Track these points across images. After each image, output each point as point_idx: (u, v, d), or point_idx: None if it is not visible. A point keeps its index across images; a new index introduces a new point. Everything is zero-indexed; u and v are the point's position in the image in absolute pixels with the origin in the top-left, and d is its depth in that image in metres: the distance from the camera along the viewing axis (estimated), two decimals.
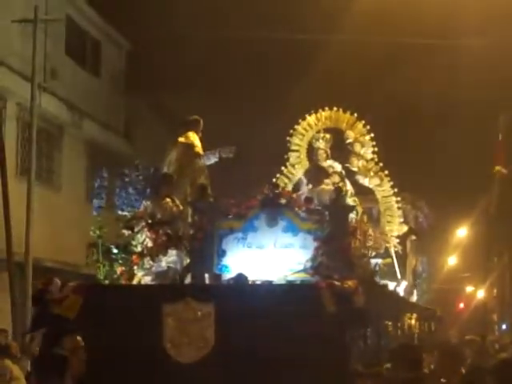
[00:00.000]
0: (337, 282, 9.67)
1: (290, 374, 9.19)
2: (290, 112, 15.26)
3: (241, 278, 10.40)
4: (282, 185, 13.65)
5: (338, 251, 10.75)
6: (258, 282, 10.76)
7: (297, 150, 14.81)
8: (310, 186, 13.08)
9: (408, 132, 28.90)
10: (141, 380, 9.62)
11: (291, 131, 14.77)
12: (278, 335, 9.29)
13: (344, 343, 9.43)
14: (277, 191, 11.22)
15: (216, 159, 12.06)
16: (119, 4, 26.51)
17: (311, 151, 14.61)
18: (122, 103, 28.11)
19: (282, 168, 14.71)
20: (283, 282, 10.81)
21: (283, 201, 11.15)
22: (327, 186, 13.03)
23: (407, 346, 9.24)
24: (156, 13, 27.02)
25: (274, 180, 14.24)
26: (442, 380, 8.34)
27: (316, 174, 12.55)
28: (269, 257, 11.20)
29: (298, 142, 14.79)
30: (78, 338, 7.40)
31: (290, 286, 10.50)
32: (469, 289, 39.82)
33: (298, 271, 11.01)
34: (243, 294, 9.84)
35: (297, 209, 11.16)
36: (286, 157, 14.79)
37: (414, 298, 15.71)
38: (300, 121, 14.82)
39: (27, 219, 19.51)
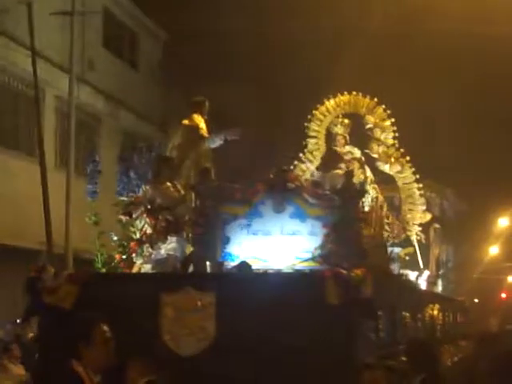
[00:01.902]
0: (343, 271, 8.78)
1: (295, 366, 8.39)
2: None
3: (244, 267, 9.57)
4: (299, 172, 12.86)
5: (348, 238, 9.87)
6: (263, 271, 9.91)
7: (315, 136, 14.11)
8: (321, 172, 12.19)
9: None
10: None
11: (309, 117, 14.04)
12: (281, 326, 8.48)
13: (350, 335, 8.55)
14: (283, 175, 10.32)
15: (221, 142, 11.19)
16: None
17: (330, 137, 13.81)
18: (159, 94, 27.48)
19: (300, 154, 13.88)
20: (290, 271, 9.96)
21: (290, 185, 10.26)
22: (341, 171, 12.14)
23: (420, 343, 8.49)
24: (193, 3, 26.29)
25: (292, 167, 13.48)
26: None
27: (329, 158, 11.62)
28: (275, 244, 10.36)
29: (316, 127, 14.08)
30: (105, 328, 6.54)
31: (294, 275, 9.66)
32: (511, 279, 38.79)
33: (306, 260, 10.17)
34: (246, 283, 8.99)
35: (305, 194, 10.27)
36: (304, 143, 13.95)
37: (439, 289, 14.80)
38: (318, 106, 13.99)
39: (66, 211, 19.17)
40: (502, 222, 34.44)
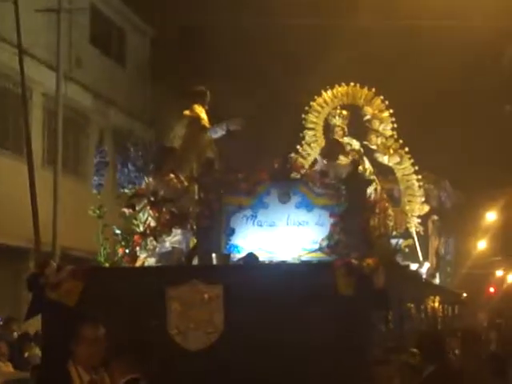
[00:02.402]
0: (355, 261, 8.50)
1: (305, 360, 8.09)
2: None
3: (251, 258, 9.27)
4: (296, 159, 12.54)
5: (356, 228, 9.57)
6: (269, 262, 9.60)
7: (312, 128, 13.79)
8: (325, 161, 11.87)
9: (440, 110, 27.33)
10: (146, 369, 8.45)
11: (306, 108, 13.72)
12: (291, 319, 8.19)
13: (363, 327, 8.27)
14: (288, 164, 10.01)
15: (223, 132, 10.87)
16: None
17: (327, 129, 13.50)
18: (148, 91, 27.16)
19: (298, 147, 13.57)
20: (297, 262, 9.66)
21: (296, 174, 9.95)
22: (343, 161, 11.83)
23: (430, 335, 8.28)
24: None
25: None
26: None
27: (332, 148, 11.32)
28: (281, 235, 10.04)
29: (314, 119, 13.76)
30: (94, 326, 6.32)
31: (304, 266, 9.34)
32: (499, 273, 38.70)
33: (314, 250, 9.85)
34: (253, 275, 8.65)
35: (311, 183, 9.96)
36: (301, 135, 13.65)
37: (437, 281, 14.56)
38: (316, 97, 13.69)
39: (54, 209, 19.03)
40: (489, 216, 34.35)
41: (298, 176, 10.03)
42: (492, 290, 36.80)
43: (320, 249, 9.77)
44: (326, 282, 8.26)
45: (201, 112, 10.74)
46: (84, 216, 21.89)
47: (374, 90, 13.74)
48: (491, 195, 30.43)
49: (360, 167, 12.67)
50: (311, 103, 13.79)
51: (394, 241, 12.17)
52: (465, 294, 18.54)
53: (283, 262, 9.65)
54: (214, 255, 9.43)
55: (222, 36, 25.84)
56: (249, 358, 8.15)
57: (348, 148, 13.01)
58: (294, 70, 25.44)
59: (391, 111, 13.74)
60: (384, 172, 13.69)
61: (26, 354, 13.24)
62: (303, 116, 13.81)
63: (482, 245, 34.91)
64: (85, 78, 23.42)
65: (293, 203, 10.03)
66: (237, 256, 9.75)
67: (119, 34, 26.33)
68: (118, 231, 9.65)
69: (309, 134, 13.79)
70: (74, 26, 22.91)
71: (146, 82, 27.22)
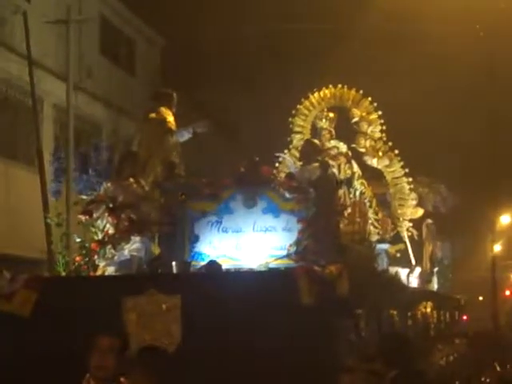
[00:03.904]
0: (317, 268, 7.79)
1: (267, 371, 7.47)
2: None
3: (213, 266, 8.56)
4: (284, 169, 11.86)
5: (324, 233, 8.85)
6: (234, 271, 8.90)
7: (300, 132, 13.09)
8: (296, 164, 11.16)
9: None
10: None
11: (293, 111, 13.07)
12: (252, 328, 7.60)
13: (326, 335, 7.66)
14: (254, 168, 9.28)
15: (190, 135, 10.14)
16: (152, 1, 25.13)
17: (315, 132, 12.80)
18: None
19: (285, 151, 12.85)
20: (264, 269, 8.95)
21: (262, 178, 9.24)
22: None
23: (392, 338, 7.50)
24: (190, 8, 25.48)
25: (277, 165, 12.47)
26: None
27: (308, 150, 10.56)
28: (247, 242, 9.43)
29: (301, 122, 13.09)
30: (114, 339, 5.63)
31: (266, 274, 8.70)
32: None
33: (281, 257, 9.21)
34: (213, 284, 8.05)
35: (278, 187, 9.24)
36: (288, 139, 12.95)
37: (434, 286, 13.75)
38: (303, 100, 13.00)
39: (67, 219, 18.35)
40: (503, 220, 33.38)
41: (265, 179, 9.29)
42: (508, 293, 35.81)
43: (288, 255, 9.10)
44: (288, 290, 7.68)
45: (168, 115, 10.07)
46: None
47: (361, 91, 13.01)
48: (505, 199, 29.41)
49: (348, 171, 12.04)
50: (298, 106, 13.14)
51: (380, 246, 11.49)
52: (481, 298, 17.79)
53: (248, 269, 9.00)
54: (173, 263, 8.72)
55: (232, 44, 25.35)
56: (207, 371, 7.53)
57: (335, 151, 12.30)
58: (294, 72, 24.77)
59: (380, 113, 13.01)
60: (377, 176, 12.95)
61: None
62: (290, 119, 13.12)
63: (497, 248, 34.00)
64: (95, 88, 22.79)
65: (259, 208, 9.43)
66: (201, 264, 9.05)
67: (129, 43, 25.72)
68: (78, 239, 8.97)
69: (296, 138, 13.10)
70: (84, 37, 22.31)
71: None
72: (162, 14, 25.44)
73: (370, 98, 12.98)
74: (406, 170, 12.91)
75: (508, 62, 22.67)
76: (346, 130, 13.11)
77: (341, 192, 9.90)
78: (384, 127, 13.00)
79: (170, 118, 9.95)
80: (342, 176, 11.49)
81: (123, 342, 5.69)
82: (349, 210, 10.22)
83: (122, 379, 5.63)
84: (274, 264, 9.12)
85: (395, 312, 10.06)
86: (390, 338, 7.52)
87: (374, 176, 12.82)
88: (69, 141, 18.75)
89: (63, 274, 8.95)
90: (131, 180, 9.22)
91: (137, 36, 26.07)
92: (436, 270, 14.15)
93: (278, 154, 12.66)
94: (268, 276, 8.45)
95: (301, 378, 7.44)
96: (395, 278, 10.72)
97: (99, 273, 8.92)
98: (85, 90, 22.21)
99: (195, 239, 9.35)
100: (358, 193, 11.85)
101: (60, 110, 20.62)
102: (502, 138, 25.65)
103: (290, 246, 9.06)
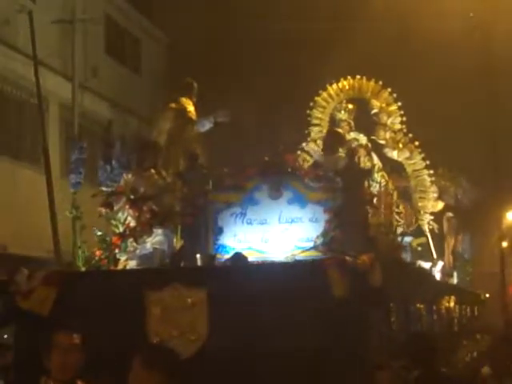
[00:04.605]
0: (348, 258, 7.40)
1: (297, 368, 7.07)
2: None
3: (238, 259, 8.19)
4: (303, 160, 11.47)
5: (353, 223, 8.47)
6: (259, 263, 8.52)
7: (318, 124, 12.70)
8: (322, 153, 10.79)
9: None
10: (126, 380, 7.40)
11: (311, 104, 12.68)
12: (280, 323, 7.19)
13: (359, 330, 7.21)
14: (279, 157, 8.91)
15: (211, 125, 9.82)
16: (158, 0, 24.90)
17: (333, 124, 12.45)
18: (164, 98, 26.29)
19: (304, 144, 12.47)
20: (288, 262, 8.57)
21: (287, 168, 8.87)
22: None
23: (417, 337, 7.27)
24: (195, 7, 25.15)
25: (299, 152, 12.12)
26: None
27: (330, 139, 10.19)
28: (273, 234, 9.03)
29: (319, 114, 12.69)
30: (75, 335, 5.29)
31: (294, 266, 8.25)
32: None
33: (308, 249, 8.79)
34: (240, 277, 7.63)
35: (304, 176, 8.87)
36: (306, 132, 12.56)
37: (455, 281, 13.39)
38: (321, 92, 12.65)
39: (73, 220, 18.01)
40: (510, 216, 32.93)
41: (290, 168, 8.92)
42: None
43: (315, 247, 8.69)
44: (319, 283, 7.24)
45: (188, 105, 9.74)
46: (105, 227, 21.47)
47: (380, 82, 12.65)
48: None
49: (368, 163, 11.70)
50: (316, 98, 12.77)
51: (405, 239, 11.15)
52: (487, 295, 17.43)
53: (274, 262, 8.60)
54: (198, 256, 8.35)
55: (238, 42, 25.02)
56: (235, 367, 7.16)
57: (355, 143, 11.95)
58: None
59: (399, 104, 12.65)
60: (398, 169, 12.62)
61: None
62: (308, 112, 12.75)
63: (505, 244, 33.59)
64: (101, 88, 22.62)
65: (285, 199, 9.04)
66: (225, 257, 8.67)
67: (134, 42, 25.59)
68: (99, 232, 8.60)
69: (314, 131, 12.74)
70: (89, 36, 22.19)
71: (162, 90, 26.35)
72: (168, 13, 25.20)
73: (389, 89, 12.61)
74: (427, 162, 12.56)
75: None
76: (366, 122, 12.75)
77: (370, 181, 9.54)
78: (404, 118, 12.63)
79: (191, 108, 9.63)
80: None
81: (83, 339, 5.30)
82: (374, 202, 9.82)
83: (79, 382, 5.23)
84: (300, 256, 8.73)
85: (422, 306, 9.72)
86: (418, 338, 7.22)
87: (394, 168, 12.51)
88: (74, 140, 18.59)
89: (82, 269, 8.54)
90: (152, 171, 8.88)
91: (142, 35, 25.97)
92: (457, 264, 13.81)
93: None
94: (297, 268, 8.04)
95: (334, 374, 7.05)
96: (423, 270, 10.38)
97: (120, 267, 8.56)
98: (90, 89, 22.09)
99: (219, 231, 9.00)
100: (378, 185, 11.51)
101: (66, 109, 20.55)
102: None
103: (317, 237, 8.69)
